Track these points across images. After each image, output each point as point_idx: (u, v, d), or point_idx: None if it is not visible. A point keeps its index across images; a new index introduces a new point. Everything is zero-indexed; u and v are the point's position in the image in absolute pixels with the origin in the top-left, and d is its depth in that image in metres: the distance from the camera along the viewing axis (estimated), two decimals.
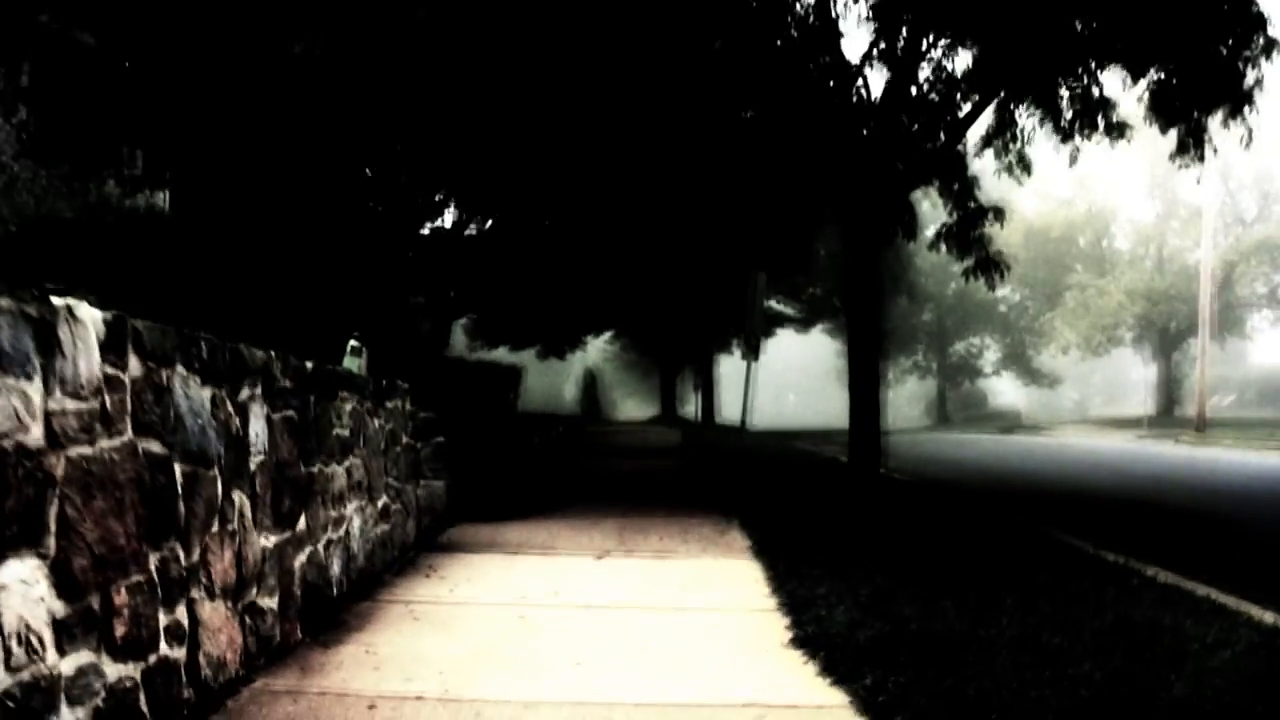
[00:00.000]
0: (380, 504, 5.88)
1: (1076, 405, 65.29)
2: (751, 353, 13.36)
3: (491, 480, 10.01)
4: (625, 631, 4.51)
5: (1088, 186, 49.71)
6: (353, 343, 6.23)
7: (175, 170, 13.93)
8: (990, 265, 14.04)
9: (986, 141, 14.82)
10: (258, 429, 4.05)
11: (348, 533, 5.22)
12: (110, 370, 2.93)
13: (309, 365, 4.75)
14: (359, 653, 4.07)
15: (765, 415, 44.82)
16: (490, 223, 26.79)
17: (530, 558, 6.34)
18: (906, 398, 55.54)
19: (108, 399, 2.92)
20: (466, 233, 27.13)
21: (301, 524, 4.55)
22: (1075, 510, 11.40)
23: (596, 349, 46.04)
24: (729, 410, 39.28)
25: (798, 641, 4.28)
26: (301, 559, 4.50)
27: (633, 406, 54.36)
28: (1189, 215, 46.28)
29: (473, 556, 6.33)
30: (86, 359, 2.78)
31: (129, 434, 3.03)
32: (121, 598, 2.91)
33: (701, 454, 18.11)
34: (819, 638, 4.25)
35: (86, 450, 2.76)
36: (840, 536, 7.35)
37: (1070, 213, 48.89)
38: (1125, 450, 26.03)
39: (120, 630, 2.89)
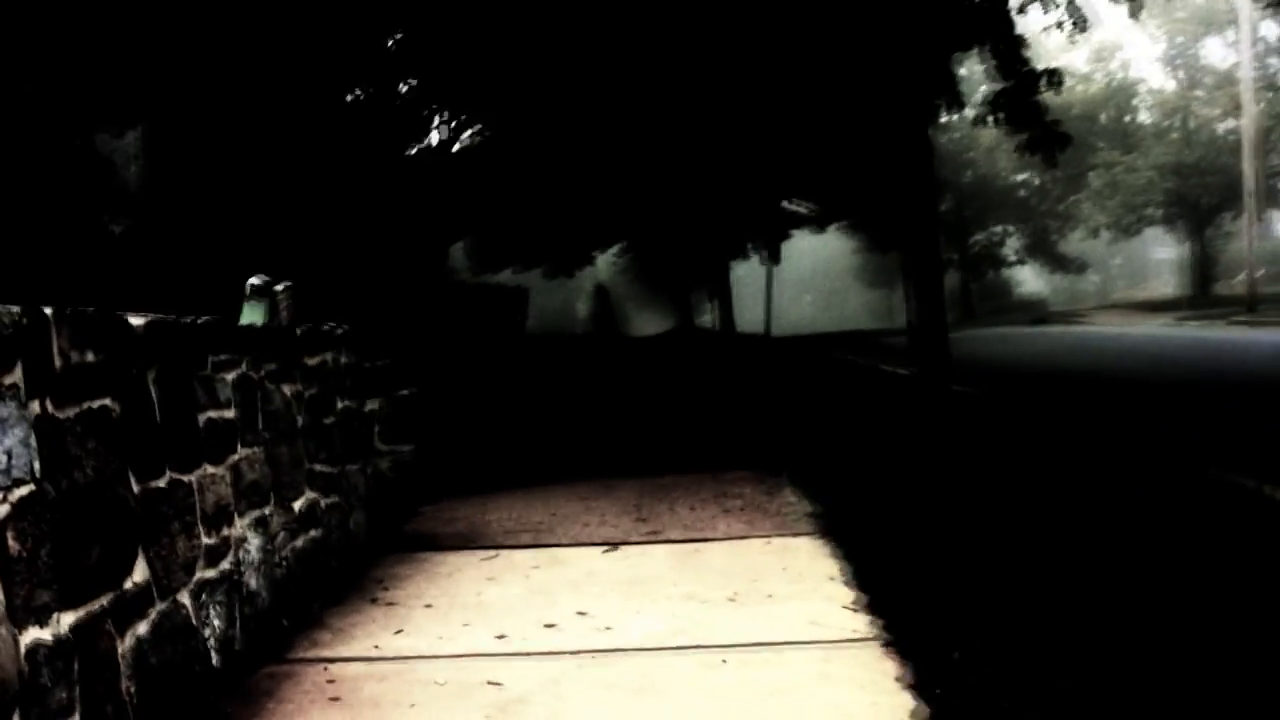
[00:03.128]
0: (300, 505, 4.23)
1: (1099, 290, 62.85)
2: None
3: (481, 434, 8.42)
4: (652, 711, 2.88)
5: (1104, 60, 46.77)
6: (253, 282, 4.48)
7: (148, 105, 12.44)
8: (1050, 138, 12.04)
9: None
10: (10, 446, 2.39)
11: (239, 563, 3.58)
12: None
13: (137, 322, 3.07)
14: None
15: (785, 321, 43.04)
16: (482, 136, 24.92)
17: (517, 555, 4.71)
18: None
19: None
20: (456, 148, 25.25)
21: (140, 574, 2.92)
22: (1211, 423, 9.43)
23: (606, 263, 44.11)
24: (746, 318, 37.50)
25: None
26: (140, 631, 2.86)
27: (647, 320, 52.62)
28: (1215, 83, 43.38)
29: (443, 558, 4.70)
30: None
31: None
32: None
33: (727, 374, 16.48)
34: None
35: None
36: (939, 487, 5.70)
37: (1089, 88, 45.92)
38: (1196, 338, 23.31)
39: None
